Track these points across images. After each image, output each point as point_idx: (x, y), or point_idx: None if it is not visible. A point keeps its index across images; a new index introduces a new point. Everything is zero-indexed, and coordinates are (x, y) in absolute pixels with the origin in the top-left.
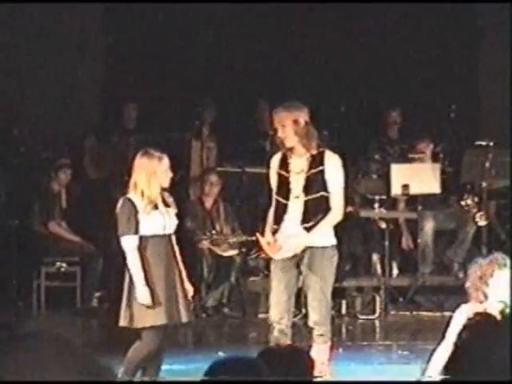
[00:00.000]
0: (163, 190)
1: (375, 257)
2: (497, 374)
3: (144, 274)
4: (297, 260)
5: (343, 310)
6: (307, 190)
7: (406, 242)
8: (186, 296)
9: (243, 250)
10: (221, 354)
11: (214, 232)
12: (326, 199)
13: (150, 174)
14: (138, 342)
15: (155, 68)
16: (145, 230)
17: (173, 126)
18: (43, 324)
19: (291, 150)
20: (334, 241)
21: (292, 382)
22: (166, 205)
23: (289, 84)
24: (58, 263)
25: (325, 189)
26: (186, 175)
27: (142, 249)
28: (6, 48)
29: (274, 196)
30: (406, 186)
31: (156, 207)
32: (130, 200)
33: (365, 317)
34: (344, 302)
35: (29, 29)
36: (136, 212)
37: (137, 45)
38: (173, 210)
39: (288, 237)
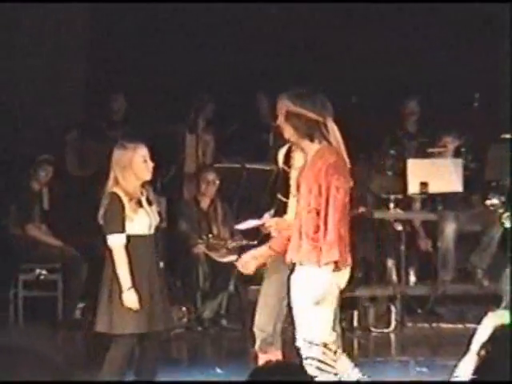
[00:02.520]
0: (146, 184)
1: (390, 263)
2: None
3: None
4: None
5: (355, 322)
6: None
7: (424, 245)
8: (164, 292)
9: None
10: (218, 370)
11: (210, 236)
12: None
13: (126, 167)
14: (110, 351)
15: (144, 54)
16: (131, 229)
17: (165, 117)
18: (21, 338)
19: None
20: None
21: (292, 382)
22: (149, 202)
23: (292, 72)
24: (38, 270)
25: None
26: (179, 172)
27: (128, 249)
28: None
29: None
30: (424, 184)
31: (141, 204)
32: (117, 195)
33: (379, 330)
34: (356, 314)
35: (6, 16)
36: (123, 208)
37: (124, 29)
38: (155, 208)
39: None
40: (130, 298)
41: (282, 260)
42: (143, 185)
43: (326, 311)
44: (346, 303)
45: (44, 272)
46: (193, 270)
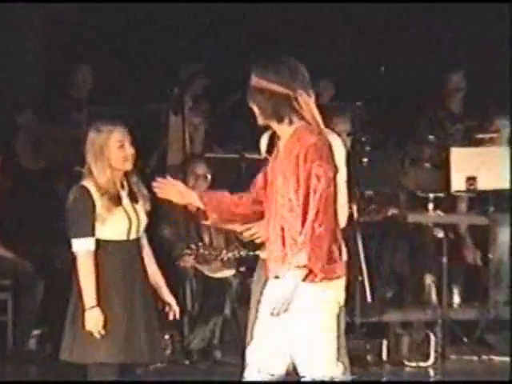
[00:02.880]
0: (132, 175)
1: (429, 279)
2: None
3: (96, 292)
4: None
5: (384, 354)
6: None
7: (472, 257)
8: (153, 313)
9: (242, 269)
10: None
11: (200, 244)
12: None
13: (98, 155)
14: None
15: (116, 17)
16: (101, 232)
17: (142, 94)
18: None
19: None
20: None
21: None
22: (134, 199)
23: (305, 38)
24: None
25: None
26: (161, 164)
27: (97, 257)
28: None
29: None
30: (472, 179)
31: (119, 201)
32: (86, 189)
33: (414, 363)
34: (385, 343)
35: None
36: (93, 206)
37: None
38: (142, 206)
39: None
40: (91, 319)
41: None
42: (126, 176)
43: (326, 338)
44: (373, 330)
45: None
46: (178, 289)
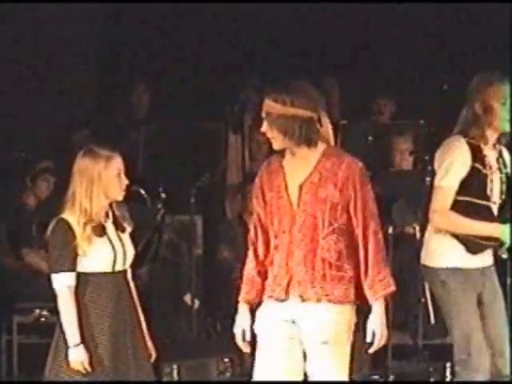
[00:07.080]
0: (116, 204)
1: None
2: None
3: (80, 328)
4: None
5: (448, 377)
6: None
7: None
8: (144, 356)
9: None
10: None
11: None
12: None
13: (93, 182)
14: None
15: (174, 33)
16: (84, 265)
17: (200, 112)
18: None
19: None
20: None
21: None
22: (120, 227)
23: (365, 56)
24: (37, 311)
25: None
26: (220, 183)
27: (79, 291)
28: None
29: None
30: None
31: (103, 231)
32: (65, 221)
33: None
34: (449, 366)
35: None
36: (73, 238)
37: (147, 8)
38: (129, 236)
39: None
40: (76, 357)
41: None
42: (111, 205)
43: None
44: (437, 353)
45: (45, 313)
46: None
